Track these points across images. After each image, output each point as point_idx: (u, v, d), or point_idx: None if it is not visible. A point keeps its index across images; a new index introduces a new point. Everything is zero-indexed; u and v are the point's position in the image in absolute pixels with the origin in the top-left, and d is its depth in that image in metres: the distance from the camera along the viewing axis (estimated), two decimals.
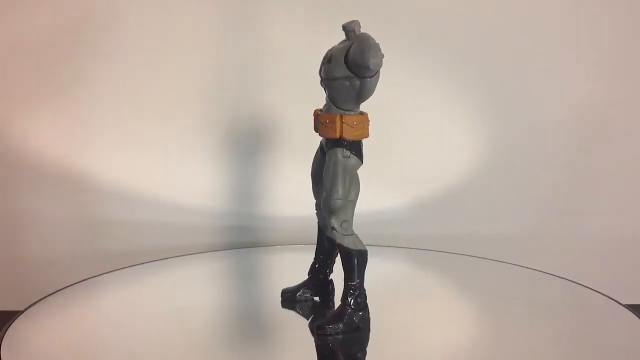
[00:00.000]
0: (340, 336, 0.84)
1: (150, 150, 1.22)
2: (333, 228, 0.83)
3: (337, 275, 0.90)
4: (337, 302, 0.87)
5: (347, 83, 0.81)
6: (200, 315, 0.94)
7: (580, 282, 1.03)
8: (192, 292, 1.03)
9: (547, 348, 0.84)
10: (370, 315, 0.86)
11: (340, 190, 0.82)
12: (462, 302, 1.02)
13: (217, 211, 1.24)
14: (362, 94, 0.81)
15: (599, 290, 0.99)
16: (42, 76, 1.19)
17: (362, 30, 0.82)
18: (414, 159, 1.24)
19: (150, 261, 1.13)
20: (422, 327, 0.91)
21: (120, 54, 1.18)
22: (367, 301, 0.85)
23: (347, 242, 0.84)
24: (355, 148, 0.83)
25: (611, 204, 1.27)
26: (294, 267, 1.13)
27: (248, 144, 1.23)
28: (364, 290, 0.85)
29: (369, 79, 0.80)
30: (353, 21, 0.81)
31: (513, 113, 1.24)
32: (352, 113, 0.82)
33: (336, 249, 0.88)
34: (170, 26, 1.19)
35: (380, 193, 1.22)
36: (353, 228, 0.84)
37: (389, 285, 1.05)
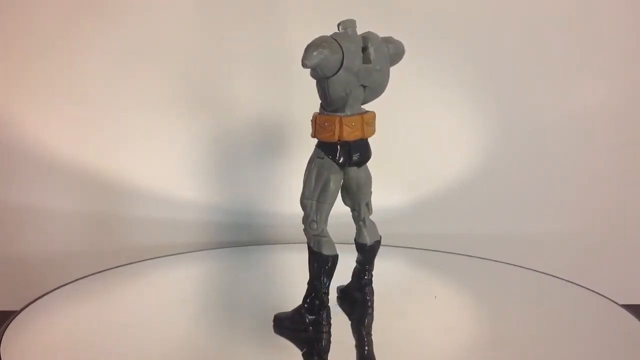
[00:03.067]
0: (303, 334, 0.84)
1: (153, 150, 1.22)
2: (303, 227, 0.83)
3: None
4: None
5: (318, 83, 0.80)
6: (200, 315, 0.94)
7: (579, 282, 1.03)
8: (193, 291, 1.03)
9: (546, 348, 0.84)
10: (331, 316, 0.84)
11: (309, 190, 0.82)
12: (462, 302, 1.02)
13: (221, 210, 1.24)
14: (327, 94, 0.79)
15: (596, 291, 0.99)
16: (46, 73, 1.19)
17: (366, 29, 0.82)
18: (415, 159, 1.24)
19: (150, 259, 1.14)
20: (420, 326, 0.92)
21: (121, 51, 1.19)
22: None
23: (313, 243, 0.83)
24: (331, 150, 0.81)
25: (611, 204, 1.26)
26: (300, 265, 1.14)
27: (249, 143, 1.23)
28: (323, 293, 0.83)
29: (327, 79, 0.78)
30: (345, 20, 0.80)
31: (514, 114, 1.24)
32: (334, 115, 0.81)
33: (370, 253, 0.90)
34: (169, 23, 1.19)
35: (380, 193, 1.21)
36: (326, 230, 0.83)
37: (388, 285, 1.05)
